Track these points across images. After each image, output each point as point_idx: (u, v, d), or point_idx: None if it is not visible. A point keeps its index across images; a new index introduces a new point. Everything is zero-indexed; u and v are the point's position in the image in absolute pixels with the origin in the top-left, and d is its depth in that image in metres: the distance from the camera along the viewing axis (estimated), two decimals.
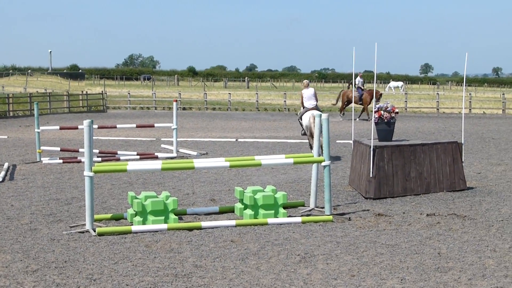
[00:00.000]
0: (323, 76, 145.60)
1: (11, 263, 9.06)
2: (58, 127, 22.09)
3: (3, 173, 17.12)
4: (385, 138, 14.69)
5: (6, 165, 18.70)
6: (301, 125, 20.73)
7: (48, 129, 23.03)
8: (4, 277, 8.40)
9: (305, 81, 21.24)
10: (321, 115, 12.33)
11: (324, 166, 12.06)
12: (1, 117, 40.99)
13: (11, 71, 60.95)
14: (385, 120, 14.59)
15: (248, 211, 11.80)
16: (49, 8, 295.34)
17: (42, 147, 20.85)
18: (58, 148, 21.85)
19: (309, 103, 20.41)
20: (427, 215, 12.18)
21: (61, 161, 19.85)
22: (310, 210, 12.65)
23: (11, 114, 44.10)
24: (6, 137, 28.68)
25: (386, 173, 13.98)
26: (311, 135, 19.97)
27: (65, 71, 71.15)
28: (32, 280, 8.30)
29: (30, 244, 10.07)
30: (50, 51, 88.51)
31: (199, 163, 11.66)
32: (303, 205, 13.12)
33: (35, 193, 14.66)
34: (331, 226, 11.37)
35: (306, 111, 20.33)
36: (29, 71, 53.33)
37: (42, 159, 20.15)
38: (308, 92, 20.51)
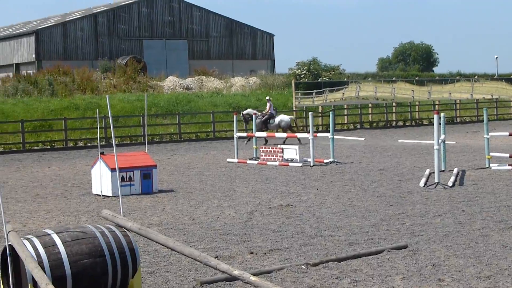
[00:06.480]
0: None
1: (463, 267, 9.20)
2: (507, 133, 21.85)
3: (453, 178, 17.43)
4: None
5: (455, 170, 18.99)
6: (267, 124, 31.88)
7: (497, 135, 22.90)
8: (457, 281, 8.57)
9: (268, 97, 34.07)
10: None
11: None
12: (449, 123, 41.66)
13: (457, 77, 61.60)
14: None
15: None
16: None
17: (491, 153, 20.75)
18: (507, 155, 21.56)
19: (271, 110, 32.54)
20: None
21: (510, 167, 19.55)
22: None
23: (458, 120, 45.30)
24: (454, 142, 29.10)
25: None
26: (289, 129, 32.16)
27: (511, 76, 69.80)
28: (485, 286, 8.37)
29: (482, 250, 10.12)
30: (496, 57, 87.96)
31: None
32: None
33: (485, 199, 14.67)
34: None
35: (272, 116, 32.34)
36: (475, 77, 53.31)
37: (491, 165, 20.05)
38: (269, 104, 32.75)
